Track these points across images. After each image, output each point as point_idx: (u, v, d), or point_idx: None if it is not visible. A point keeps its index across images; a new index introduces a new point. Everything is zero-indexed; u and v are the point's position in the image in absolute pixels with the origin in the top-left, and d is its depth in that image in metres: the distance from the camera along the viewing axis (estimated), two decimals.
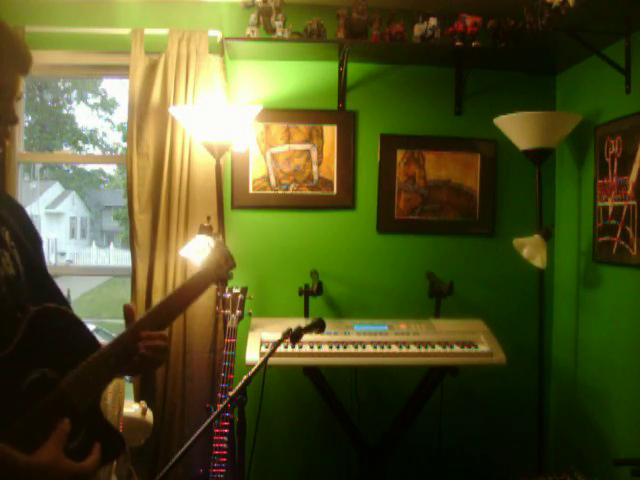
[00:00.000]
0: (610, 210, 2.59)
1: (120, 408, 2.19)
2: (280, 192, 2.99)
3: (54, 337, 1.04)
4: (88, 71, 3.10)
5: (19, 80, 1.10)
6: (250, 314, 2.57)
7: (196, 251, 2.54)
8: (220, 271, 1.41)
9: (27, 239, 1.14)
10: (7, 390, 0.96)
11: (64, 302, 1.15)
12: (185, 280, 1.32)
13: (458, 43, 2.78)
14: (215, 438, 2.24)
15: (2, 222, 1.09)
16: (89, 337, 1.12)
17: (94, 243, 12.89)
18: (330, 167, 3.01)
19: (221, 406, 1.47)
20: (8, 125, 1.09)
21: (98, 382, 1.08)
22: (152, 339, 1.17)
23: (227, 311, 2.49)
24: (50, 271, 1.22)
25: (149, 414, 2.43)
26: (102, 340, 1.22)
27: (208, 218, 2.63)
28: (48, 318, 1.05)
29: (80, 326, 1.11)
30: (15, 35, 1.10)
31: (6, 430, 0.93)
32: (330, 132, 3.00)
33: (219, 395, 2.33)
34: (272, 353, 1.52)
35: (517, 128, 2.67)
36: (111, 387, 2.10)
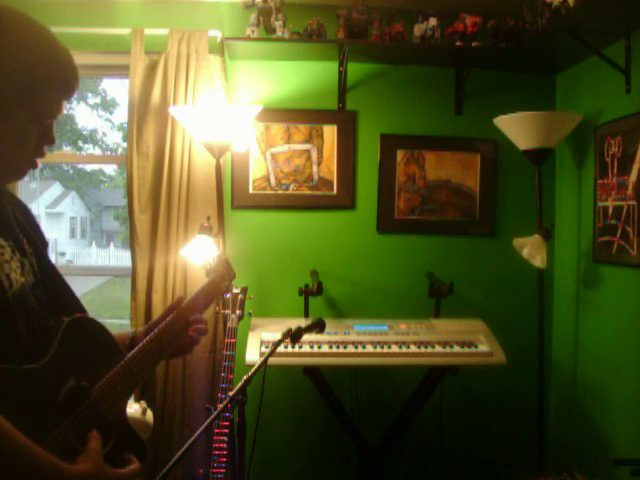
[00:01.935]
0: (610, 210, 2.59)
1: None
2: (280, 192, 2.99)
3: (84, 346, 1.07)
4: (88, 71, 3.09)
5: (62, 105, 1.07)
6: (250, 314, 2.57)
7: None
8: (224, 283, 1.47)
9: (39, 242, 1.14)
10: (46, 398, 0.97)
11: (80, 306, 1.17)
12: (191, 295, 1.36)
13: (458, 43, 2.78)
14: (215, 438, 2.23)
15: (20, 229, 1.09)
16: (114, 345, 1.14)
17: (94, 243, 12.90)
18: (330, 167, 3.01)
19: (221, 406, 1.47)
20: (46, 146, 1.08)
21: (125, 389, 1.11)
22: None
23: (227, 311, 2.49)
24: None
25: (149, 414, 2.42)
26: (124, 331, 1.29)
27: (208, 218, 2.63)
28: (79, 327, 1.07)
29: (106, 334, 1.13)
30: (64, 57, 1.04)
31: (47, 439, 0.94)
32: (330, 132, 3.00)
33: (219, 395, 2.33)
34: (272, 353, 1.52)
35: (517, 128, 2.66)
36: None
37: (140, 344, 1.17)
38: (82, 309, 1.16)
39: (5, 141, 1.00)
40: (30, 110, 1.00)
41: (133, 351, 1.15)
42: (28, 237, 1.10)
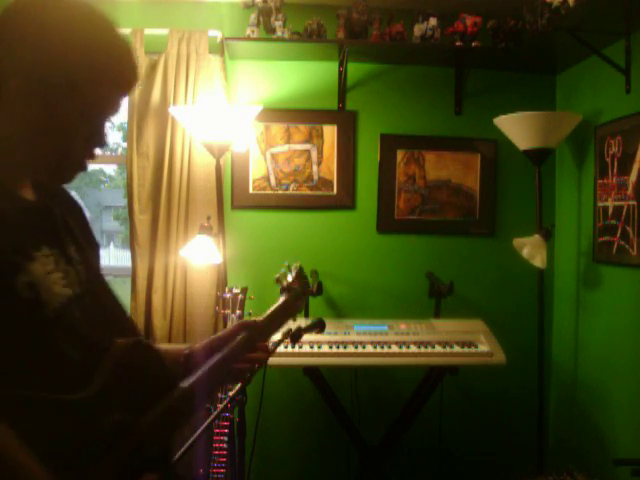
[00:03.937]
0: (610, 210, 2.59)
1: None
2: (280, 192, 2.99)
3: (136, 375, 0.95)
4: None
5: (116, 103, 0.98)
6: (250, 314, 2.57)
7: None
8: (301, 301, 1.32)
9: (89, 248, 1.04)
10: (86, 434, 0.85)
11: (128, 321, 1.07)
12: (266, 315, 1.22)
13: (458, 43, 2.78)
14: (215, 438, 2.24)
15: (68, 233, 0.98)
16: (167, 374, 1.01)
17: None
18: (330, 167, 3.01)
19: (221, 406, 1.47)
20: (97, 147, 0.98)
21: (174, 426, 0.97)
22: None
23: (227, 311, 2.49)
24: None
25: None
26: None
27: (208, 218, 2.63)
28: (135, 353, 0.95)
29: (160, 362, 1.00)
30: (121, 50, 0.95)
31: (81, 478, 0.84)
32: (330, 132, 3.00)
33: (219, 395, 2.33)
34: (272, 353, 1.52)
35: (517, 128, 2.66)
36: None
37: (198, 373, 1.03)
38: (131, 324, 1.06)
39: (50, 136, 0.91)
40: (78, 103, 0.91)
41: (189, 382, 1.00)
42: (77, 244, 1.00)
